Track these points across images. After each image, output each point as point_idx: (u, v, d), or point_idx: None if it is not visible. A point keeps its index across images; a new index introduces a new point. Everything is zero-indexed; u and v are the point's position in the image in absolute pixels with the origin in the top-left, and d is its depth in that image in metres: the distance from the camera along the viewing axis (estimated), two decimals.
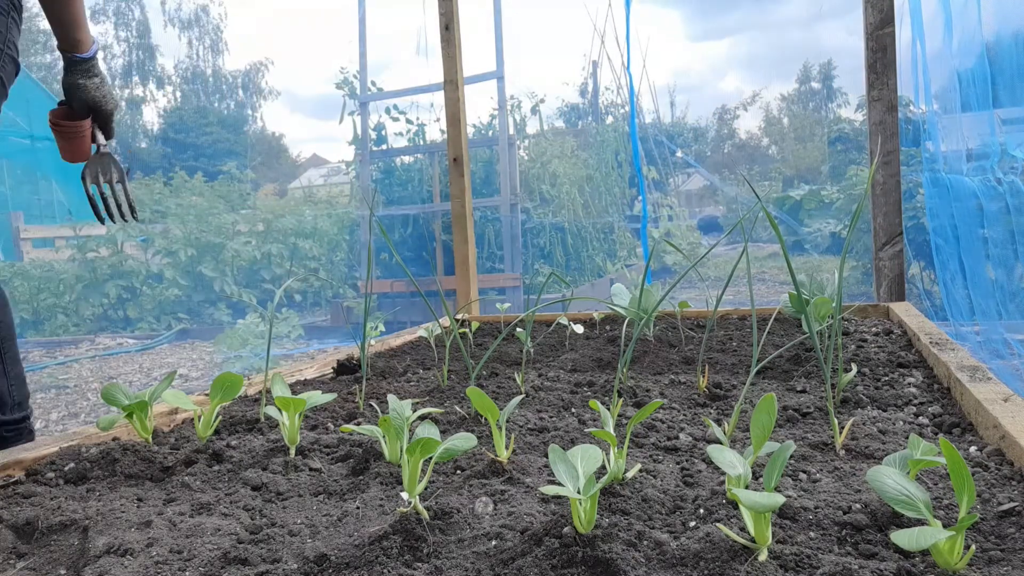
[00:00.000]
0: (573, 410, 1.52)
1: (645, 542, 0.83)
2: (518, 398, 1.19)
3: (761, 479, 0.90)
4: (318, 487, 1.12)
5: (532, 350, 2.24)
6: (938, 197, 4.40)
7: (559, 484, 0.83)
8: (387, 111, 8.87)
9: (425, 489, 1.07)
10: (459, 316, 3.15)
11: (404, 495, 0.94)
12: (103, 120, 1.84)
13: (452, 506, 0.96)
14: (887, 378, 1.61)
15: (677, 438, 1.29)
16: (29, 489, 1.14)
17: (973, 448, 1.12)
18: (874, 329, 2.17)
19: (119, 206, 1.86)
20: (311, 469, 1.20)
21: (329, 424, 1.51)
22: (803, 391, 1.57)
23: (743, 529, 0.86)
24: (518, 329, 2.42)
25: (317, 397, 1.35)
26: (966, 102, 4.16)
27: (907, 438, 1.20)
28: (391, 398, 1.14)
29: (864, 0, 2.71)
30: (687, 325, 2.49)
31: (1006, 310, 3.95)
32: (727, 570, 0.76)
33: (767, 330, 1.69)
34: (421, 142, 8.94)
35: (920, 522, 0.78)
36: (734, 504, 0.93)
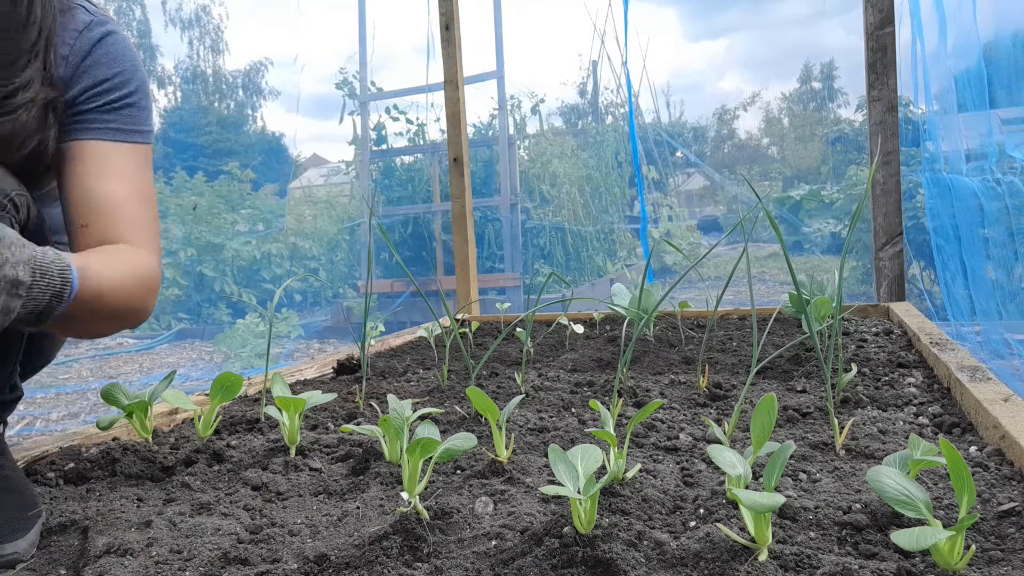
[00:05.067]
0: (573, 410, 1.52)
1: (645, 542, 0.83)
2: (518, 398, 1.19)
3: (761, 479, 0.90)
4: (318, 487, 1.12)
5: (532, 350, 2.24)
6: (938, 197, 4.40)
7: (559, 484, 0.83)
8: (387, 111, 8.86)
9: (425, 489, 1.07)
10: (459, 316, 3.15)
11: (404, 495, 0.94)
12: None
13: (452, 506, 0.96)
14: (887, 378, 1.61)
15: (677, 438, 1.29)
16: None
17: (973, 448, 1.12)
18: (874, 329, 2.17)
19: None
20: (311, 469, 1.20)
21: (329, 424, 1.51)
22: (803, 391, 1.57)
23: (743, 529, 0.86)
24: (518, 329, 2.42)
25: (317, 397, 1.35)
26: (963, 102, 4.16)
27: (907, 438, 1.20)
28: (391, 398, 1.14)
29: (864, 0, 2.71)
30: (687, 325, 2.49)
31: (1006, 310, 3.94)
32: (727, 570, 0.76)
33: (767, 330, 1.69)
34: (421, 142, 8.93)
35: (920, 522, 0.78)
36: (734, 504, 0.93)
